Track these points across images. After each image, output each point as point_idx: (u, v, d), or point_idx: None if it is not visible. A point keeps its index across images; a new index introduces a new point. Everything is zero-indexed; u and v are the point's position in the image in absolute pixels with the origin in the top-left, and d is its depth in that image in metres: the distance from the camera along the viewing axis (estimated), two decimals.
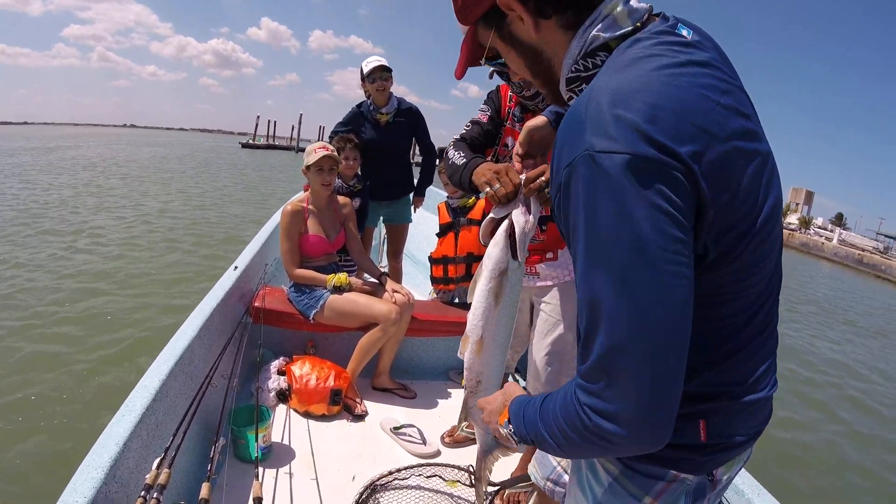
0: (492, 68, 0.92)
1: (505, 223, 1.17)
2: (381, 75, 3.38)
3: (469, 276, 2.83)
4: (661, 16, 0.75)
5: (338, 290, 2.62)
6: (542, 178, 1.19)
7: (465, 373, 1.20)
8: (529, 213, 1.18)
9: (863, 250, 40.65)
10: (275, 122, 71.29)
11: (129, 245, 7.54)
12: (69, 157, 24.19)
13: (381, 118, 3.49)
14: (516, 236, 1.15)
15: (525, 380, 2.06)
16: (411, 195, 3.89)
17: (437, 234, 2.97)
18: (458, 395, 2.76)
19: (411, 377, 2.85)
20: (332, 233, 2.75)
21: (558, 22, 0.76)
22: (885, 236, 60.07)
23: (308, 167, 2.66)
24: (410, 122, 3.61)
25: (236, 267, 2.79)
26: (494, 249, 1.16)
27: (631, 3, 0.74)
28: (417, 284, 4.29)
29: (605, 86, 0.65)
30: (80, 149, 32.50)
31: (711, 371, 0.74)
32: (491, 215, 1.23)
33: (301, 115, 57.25)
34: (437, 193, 5.53)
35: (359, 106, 3.58)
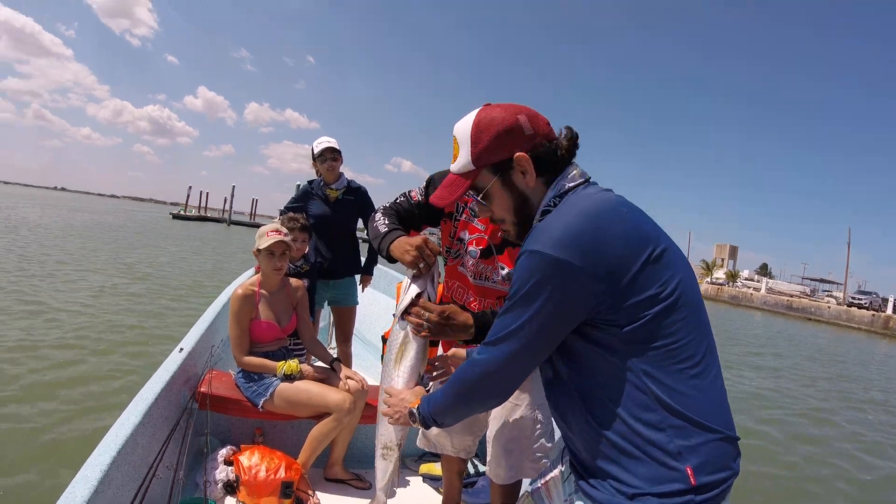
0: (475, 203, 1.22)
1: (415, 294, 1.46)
2: (331, 156, 3.53)
3: None
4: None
5: (288, 378, 2.54)
6: (430, 316, 1.44)
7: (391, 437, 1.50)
8: (433, 283, 1.47)
9: (791, 296, 42.82)
10: (207, 193, 69.54)
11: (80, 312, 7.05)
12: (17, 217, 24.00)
13: (331, 193, 3.61)
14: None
15: (484, 464, 2.03)
16: (357, 276, 3.89)
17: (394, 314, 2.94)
18: (415, 484, 2.68)
19: (366, 466, 2.72)
20: (284, 318, 2.70)
21: (544, 178, 1.14)
22: (811, 280, 63.53)
23: (259, 250, 2.62)
24: (359, 200, 3.70)
25: (181, 349, 2.66)
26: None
27: (581, 168, 1.16)
28: (368, 367, 4.20)
29: (557, 215, 1.04)
30: (17, 209, 30.89)
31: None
32: (416, 289, 1.46)
33: (234, 187, 56.27)
34: (385, 272, 5.49)
35: (310, 183, 3.70)
